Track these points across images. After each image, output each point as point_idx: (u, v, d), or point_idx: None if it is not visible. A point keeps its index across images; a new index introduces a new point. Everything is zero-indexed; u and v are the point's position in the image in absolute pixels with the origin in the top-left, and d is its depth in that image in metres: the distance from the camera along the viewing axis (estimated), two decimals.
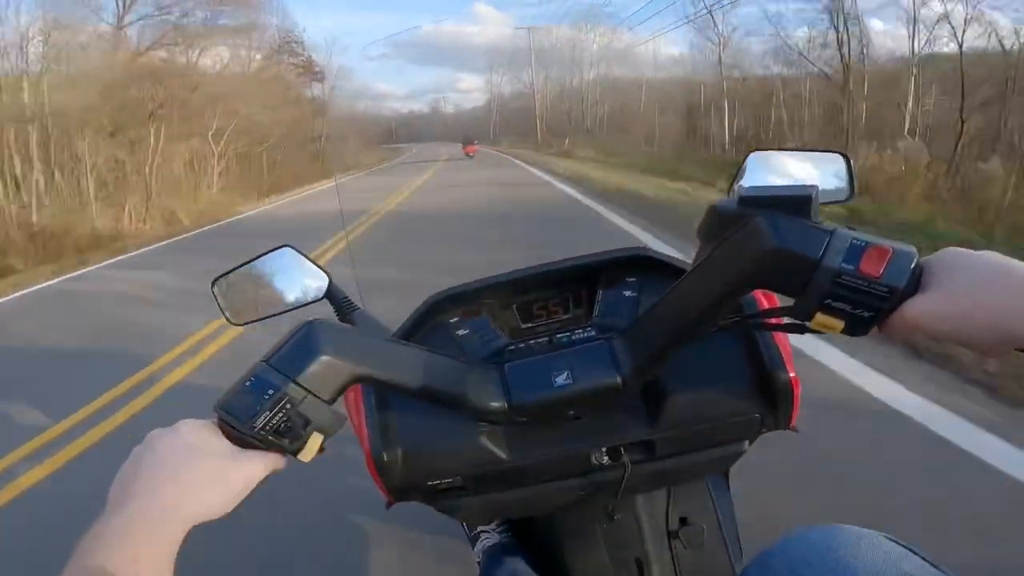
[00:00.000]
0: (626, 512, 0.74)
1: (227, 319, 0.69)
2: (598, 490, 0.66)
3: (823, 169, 0.63)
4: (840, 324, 0.42)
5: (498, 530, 1.05)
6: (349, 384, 0.47)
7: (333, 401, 0.47)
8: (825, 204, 0.55)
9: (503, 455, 0.62)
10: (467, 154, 28.64)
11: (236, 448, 0.45)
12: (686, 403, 0.61)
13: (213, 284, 0.69)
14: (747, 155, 0.65)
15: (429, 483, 0.64)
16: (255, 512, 1.90)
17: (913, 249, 0.41)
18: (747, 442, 0.66)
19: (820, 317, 0.42)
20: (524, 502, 0.68)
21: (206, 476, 0.43)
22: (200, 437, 0.45)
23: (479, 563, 1.03)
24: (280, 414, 0.44)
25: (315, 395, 0.45)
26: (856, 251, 0.40)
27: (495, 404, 0.54)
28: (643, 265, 0.71)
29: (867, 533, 0.46)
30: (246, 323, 0.69)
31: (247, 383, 0.45)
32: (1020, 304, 0.36)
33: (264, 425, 0.44)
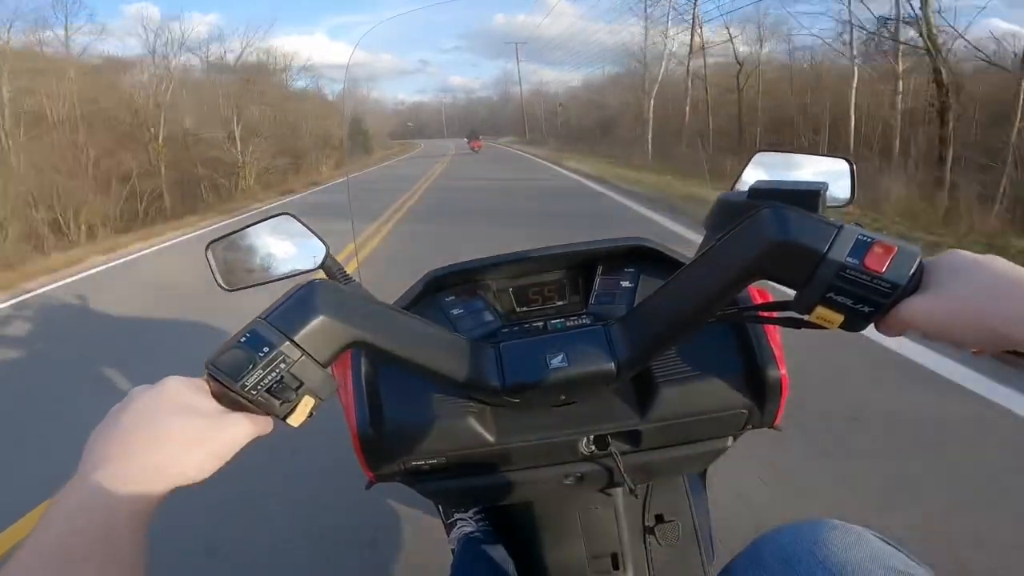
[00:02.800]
0: (604, 506, 0.74)
1: (219, 284, 0.68)
2: (581, 480, 0.66)
3: (826, 172, 0.64)
4: (839, 318, 0.42)
5: (475, 518, 1.05)
6: (346, 348, 0.46)
7: (328, 364, 0.46)
8: (826, 207, 0.56)
9: (490, 437, 0.61)
10: (473, 148, 28.53)
11: (223, 408, 0.44)
12: (676, 394, 0.61)
13: (208, 248, 0.68)
14: (752, 154, 0.66)
15: (413, 463, 0.63)
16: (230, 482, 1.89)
17: (917, 248, 0.42)
18: (731, 439, 0.67)
19: (820, 311, 0.43)
20: (507, 488, 0.67)
21: (189, 437, 0.41)
22: (185, 395, 0.43)
23: (454, 550, 1.03)
24: (273, 374, 0.43)
25: (311, 356, 0.44)
26: (862, 246, 0.41)
27: (489, 383, 0.53)
28: (642, 255, 0.72)
29: (856, 529, 0.46)
30: (238, 288, 0.68)
31: (242, 339, 0.43)
32: (1011, 311, 0.37)
33: (256, 384, 0.43)
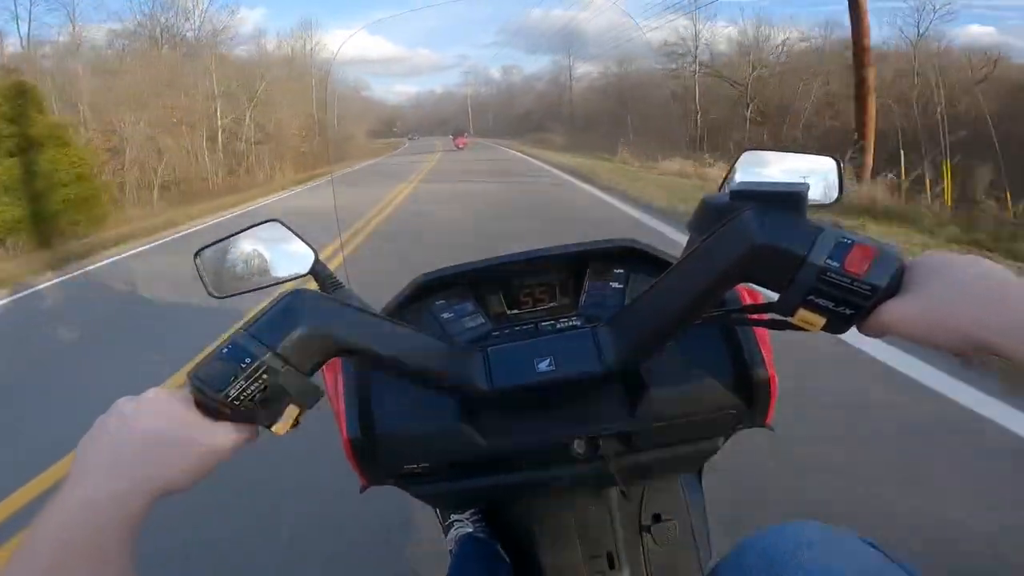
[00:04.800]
0: (600, 506, 0.74)
1: (208, 292, 0.68)
2: (574, 481, 0.66)
3: (813, 171, 0.64)
4: (821, 321, 0.42)
5: (472, 519, 1.05)
6: (329, 357, 0.46)
7: (312, 373, 0.46)
8: (813, 206, 0.56)
9: (481, 441, 0.62)
10: (457, 146, 28.42)
11: (207, 419, 0.44)
12: (666, 396, 0.61)
13: (196, 255, 0.68)
14: (740, 154, 0.66)
15: (405, 467, 0.63)
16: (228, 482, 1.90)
17: (897, 250, 0.41)
18: (722, 439, 0.67)
19: (802, 313, 0.43)
20: (500, 490, 0.68)
21: (174, 447, 0.42)
22: (169, 406, 0.44)
23: (451, 551, 1.03)
24: (256, 384, 0.43)
25: (293, 366, 0.44)
26: (842, 249, 0.41)
27: (476, 387, 0.53)
28: (631, 256, 0.72)
29: (839, 531, 0.46)
30: (228, 296, 0.68)
31: (223, 351, 0.43)
32: (985, 318, 0.37)
33: (238, 395, 0.43)
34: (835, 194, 0.63)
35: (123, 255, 7.98)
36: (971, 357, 0.40)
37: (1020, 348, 0.35)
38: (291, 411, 0.45)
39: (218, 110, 20.13)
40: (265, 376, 0.43)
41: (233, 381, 0.43)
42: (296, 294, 0.47)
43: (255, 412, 0.44)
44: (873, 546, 0.46)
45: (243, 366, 0.43)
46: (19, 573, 0.37)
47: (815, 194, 0.62)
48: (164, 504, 0.43)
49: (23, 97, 10.59)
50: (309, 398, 0.45)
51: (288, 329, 0.44)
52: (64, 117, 13.46)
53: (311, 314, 0.45)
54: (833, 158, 0.64)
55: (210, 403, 0.43)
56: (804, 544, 0.45)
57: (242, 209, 12.28)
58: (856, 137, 9.62)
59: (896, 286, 0.41)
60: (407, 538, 1.68)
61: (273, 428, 0.45)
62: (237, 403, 0.43)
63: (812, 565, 0.43)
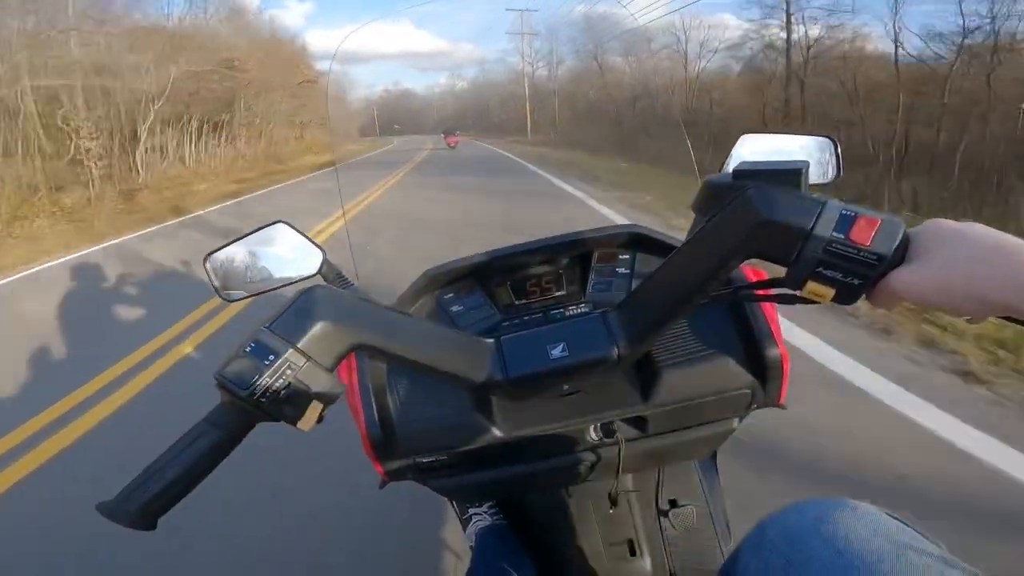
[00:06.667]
0: (618, 493, 0.75)
1: (219, 295, 0.69)
2: (592, 468, 0.67)
3: (811, 151, 0.65)
4: (831, 292, 0.43)
5: (490, 512, 1.05)
6: (349, 351, 0.47)
7: (333, 368, 0.46)
8: (813, 185, 0.57)
9: (497, 431, 0.62)
10: (448, 145, 28.19)
11: None
12: (679, 378, 0.62)
13: (205, 260, 0.68)
14: (739, 137, 0.67)
15: (424, 460, 0.64)
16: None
17: (900, 220, 0.42)
18: (737, 420, 0.67)
19: (811, 285, 0.44)
20: (518, 480, 0.68)
21: None
22: None
23: (471, 546, 1.03)
24: (280, 381, 0.44)
25: (315, 362, 0.45)
26: (846, 220, 0.42)
27: (492, 377, 0.54)
28: (636, 242, 0.72)
29: (862, 506, 0.46)
30: (238, 299, 0.69)
31: (247, 348, 0.44)
32: (997, 277, 0.38)
33: (264, 392, 0.43)
34: (833, 173, 0.64)
35: None
36: (976, 318, 0.41)
37: None
38: (315, 407, 0.45)
39: None
40: (288, 372, 0.44)
41: (258, 379, 0.43)
42: (314, 290, 0.47)
43: (280, 409, 0.44)
44: (900, 520, 0.46)
45: (267, 363, 0.43)
46: None
47: (814, 173, 0.63)
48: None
49: None
50: (332, 393, 0.46)
51: (308, 325, 0.45)
52: None
53: (330, 309, 0.46)
54: (830, 137, 0.65)
55: (238, 401, 0.44)
56: (826, 519, 0.44)
57: None
58: None
59: (902, 254, 0.42)
60: (429, 532, 1.69)
61: (298, 425, 0.46)
62: (263, 401, 0.44)
63: (835, 539, 0.43)
